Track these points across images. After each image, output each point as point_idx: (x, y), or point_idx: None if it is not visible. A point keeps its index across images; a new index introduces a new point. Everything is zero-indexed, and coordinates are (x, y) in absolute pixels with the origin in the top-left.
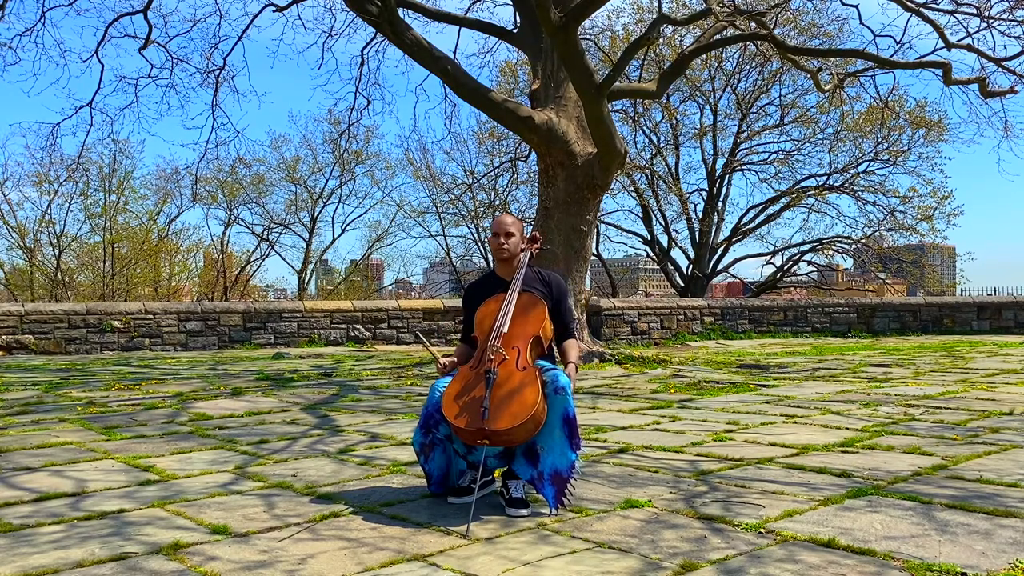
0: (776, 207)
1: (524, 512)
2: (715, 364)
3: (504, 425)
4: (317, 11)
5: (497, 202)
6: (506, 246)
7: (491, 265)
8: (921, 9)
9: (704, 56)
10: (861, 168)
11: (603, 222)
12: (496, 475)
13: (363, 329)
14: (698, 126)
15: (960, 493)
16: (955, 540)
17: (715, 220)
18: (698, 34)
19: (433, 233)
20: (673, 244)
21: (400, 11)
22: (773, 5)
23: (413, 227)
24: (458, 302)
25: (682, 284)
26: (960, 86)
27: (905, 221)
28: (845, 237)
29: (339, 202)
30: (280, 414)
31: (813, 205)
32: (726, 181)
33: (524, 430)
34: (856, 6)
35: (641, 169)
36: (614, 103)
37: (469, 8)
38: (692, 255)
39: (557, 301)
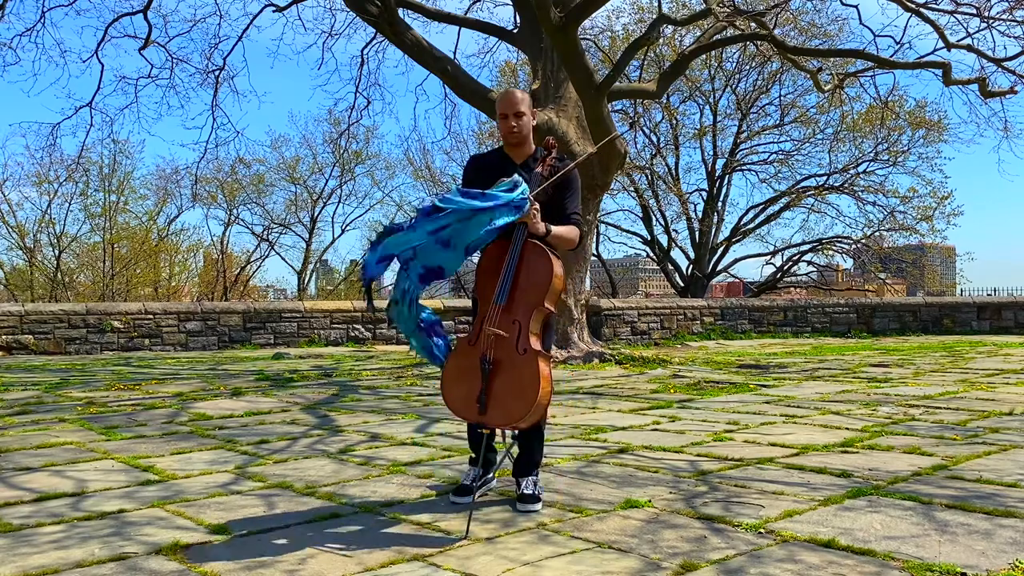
0: (776, 207)
1: (537, 507)
2: (715, 364)
3: (501, 422)
4: (317, 11)
5: None
6: (515, 128)
7: None
8: (921, 9)
9: (704, 56)
10: (861, 168)
11: (603, 222)
12: (497, 475)
13: (363, 329)
14: (698, 126)
15: (960, 493)
16: (955, 540)
17: (715, 220)
18: (698, 34)
19: None
20: (673, 244)
21: (400, 11)
22: (773, 5)
23: None
24: (458, 302)
25: (682, 284)
26: (960, 86)
27: (905, 221)
28: (845, 237)
29: (339, 202)
30: (280, 414)
31: (813, 205)
32: (726, 181)
33: (524, 422)
34: (856, 6)
35: (641, 169)
36: (614, 103)
37: (469, 8)
38: (692, 255)
39: (561, 193)
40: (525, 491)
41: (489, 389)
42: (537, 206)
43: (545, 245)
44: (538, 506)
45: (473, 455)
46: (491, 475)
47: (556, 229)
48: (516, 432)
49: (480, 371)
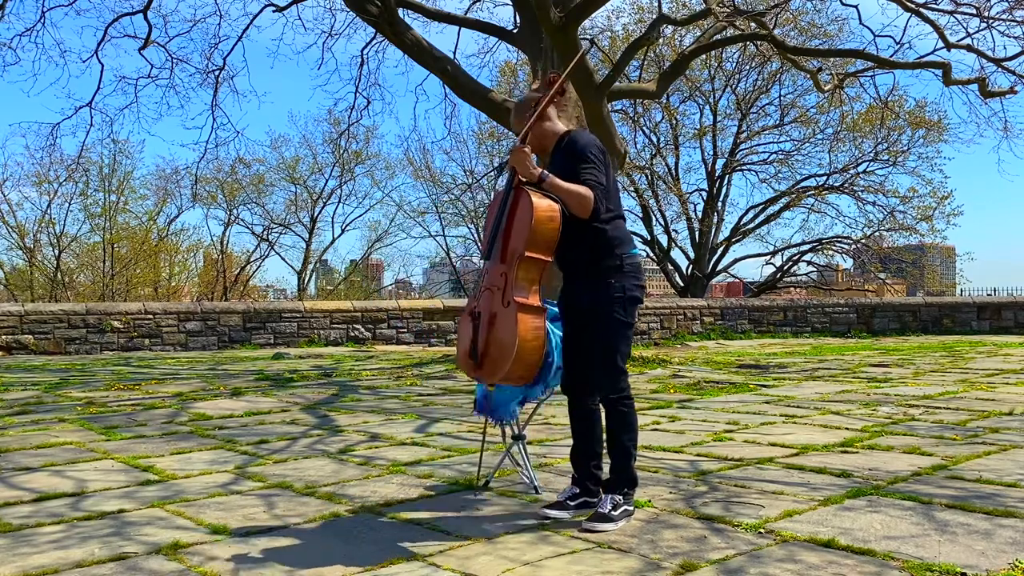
0: (776, 207)
1: (603, 527)
2: (715, 364)
3: (489, 376)
4: (317, 11)
5: None
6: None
7: None
8: (921, 9)
9: (704, 56)
10: (861, 168)
11: None
12: (497, 475)
13: (363, 329)
14: (698, 126)
15: (960, 493)
16: (955, 540)
17: (715, 220)
18: (698, 34)
19: (433, 233)
20: (673, 244)
21: (400, 11)
22: (773, 5)
23: (413, 227)
24: (458, 302)
25: (682, 284)
26: (960, 86)
27: (905, 221)
28: (845, 237)
29: (339, 202)
30: (280, 414)
31: (813, 205)
32: (726, 181)
33: (514, 375)
34: (856, 6)
35: (641, 169)
36: (614, 103)
37: (469, 8)
38: (692, 255)
39: (570, 162)
40: (598, 508)
41: (481, 344)
42: (527, 149)
43: (540, 192)
44: (606, 527)
45: (575, 474)
46: (595, 499)
47: (557, 180)
48: (516, 433)
49: (472, 325)
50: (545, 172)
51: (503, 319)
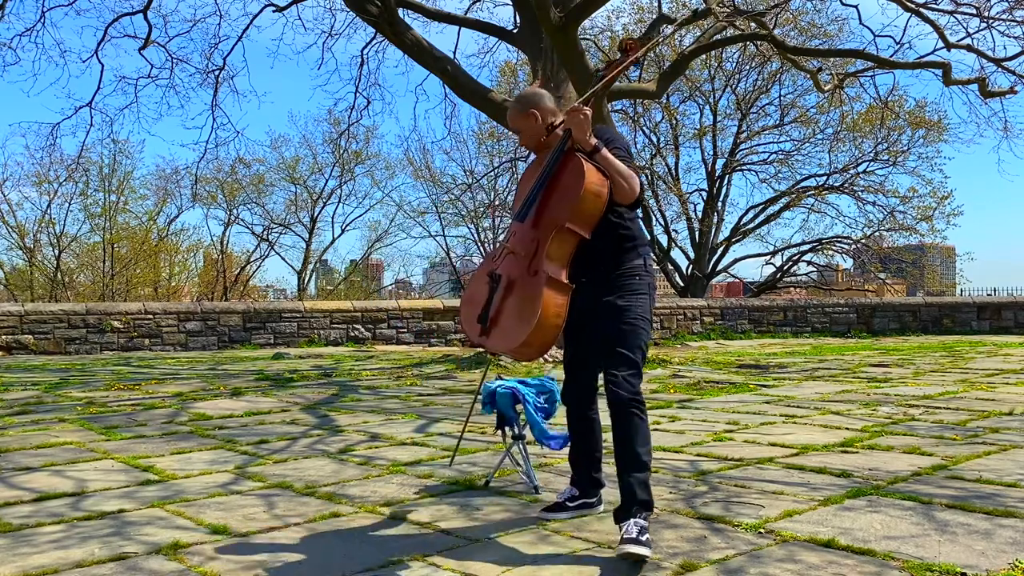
0: (776, 207)
1: (637, 551)
2: (715, 364)
3: (497, 346)
4: (317, 11)
5: (497, 202)
6: (521, 146)
7: None
8: (921, 9)
9: (704, 56)
10: (861, 168)
11: None
12: (497, 475)
13: (363, 329)
14: (698, 126)
15: (960, 493)
16: (955, 540)
17: (715, 220)
18: (698, 34)
19: (433, 233)
20: (673, 244)
21: (400, 11)
22: (773, 5)
23: (413, 227)
24: (458, 302)
25: (682, 284)
26: (960, 86)
27: (905, 221)
28: (845, 237)
29: (339, 202)
30: (280, 414)
31: (813, 205)
32: (726, 181)
33: (527, 349)
34: (856, 6)
35: (641, 169)
36: (614, 103)
37: (469, 8)
38: (692, 255)
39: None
40: (624, 534)
41: (494, 309)
42: (588, 112)
43: (592, 162)
44: (644, 551)
45: (574, 475)
46: (594, 499)
47: (611, 156)
48: (516, 433)
49: (488, 287)
50: (600, 143)
51: (526, 288)
